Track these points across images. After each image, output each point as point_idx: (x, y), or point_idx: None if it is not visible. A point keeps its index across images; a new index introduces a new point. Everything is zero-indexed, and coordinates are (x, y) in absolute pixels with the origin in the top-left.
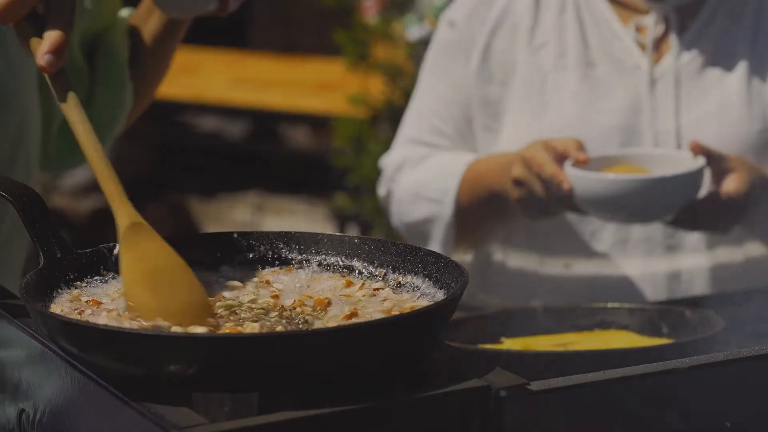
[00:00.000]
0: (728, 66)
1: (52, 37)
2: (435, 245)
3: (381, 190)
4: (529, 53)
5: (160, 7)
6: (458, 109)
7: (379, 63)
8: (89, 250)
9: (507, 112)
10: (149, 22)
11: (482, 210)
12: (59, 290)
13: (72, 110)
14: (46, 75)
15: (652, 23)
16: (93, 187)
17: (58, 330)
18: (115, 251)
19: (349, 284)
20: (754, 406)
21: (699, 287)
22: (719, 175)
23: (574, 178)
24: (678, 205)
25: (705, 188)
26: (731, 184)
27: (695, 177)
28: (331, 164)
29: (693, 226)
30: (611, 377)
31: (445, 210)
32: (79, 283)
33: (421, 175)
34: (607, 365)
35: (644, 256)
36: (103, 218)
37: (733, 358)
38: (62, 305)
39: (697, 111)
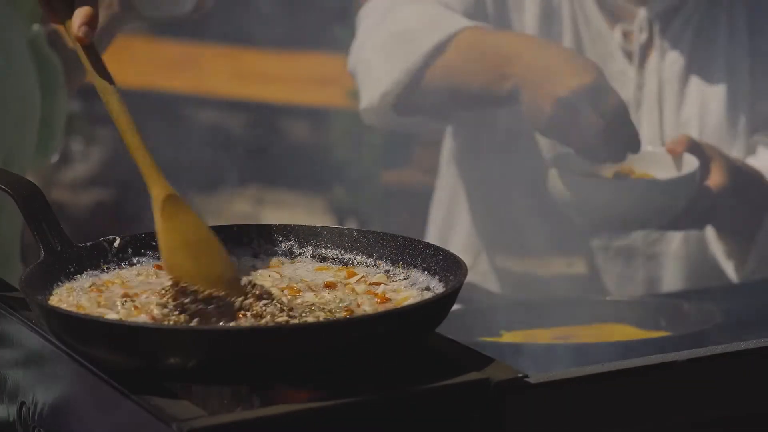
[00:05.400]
0: (707, 70)
1: (84, 10)
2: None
3: None
4: None
5: (138, 7)
6: None
7: None
8: (89, 244)
9: None
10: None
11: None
12: (59, 283)
13: (103, 81)
14: (79, 48)
15: (637, 29)
16: (93, 181)
17: (58, 323)
18: (116, 244)
19: (350, 275)
20: (753, 399)
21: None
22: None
23: (554, 180)
24: (677, 207)
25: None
26: (716, 178)
27: (693, 178)
28: (330, 158)
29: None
30: (610, 370)
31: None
32: (79, 276)
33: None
34: (605, 358)
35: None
36: (104, 212)
37: (731, 351)
38: (62, 298)
39: (679, 116)
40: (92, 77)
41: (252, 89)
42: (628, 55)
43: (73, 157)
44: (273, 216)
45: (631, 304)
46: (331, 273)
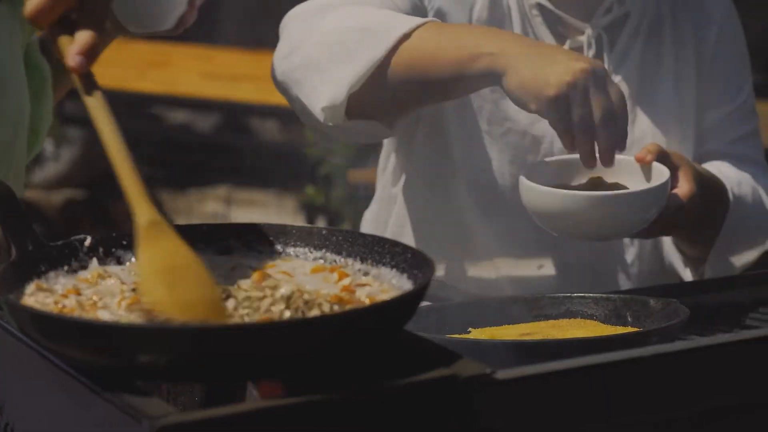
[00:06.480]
0: (657, 85)
1: (83, 38)
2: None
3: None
4: None
5: (122, 22)
6: None
7: None
8: (60, 243)
9: None
10: None
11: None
12: (31, 282)
13: (98, 110)
14: (74, 75)
15: (586, 46)
16: (64, 181)
17: (30, 322)
18: (86, 243)
19: (342, 276)
20: (717, 395)
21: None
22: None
23: (529, 191)
24: (649, 218)
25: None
26: (684, 186)
27: (665, 189)
28: (301, 157)
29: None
30: (576, 366)
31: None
32: (53, 274)
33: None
34: (572, 354)
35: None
36: (74, 211)
37: (696, 347)
38: (34, 297)
39: (635, 132)
40: (85, 104)
41: (222, 89)
42: None
43: (44, 157)
44: (243, 216)
45: (597, 300)
46: (323, 275)
